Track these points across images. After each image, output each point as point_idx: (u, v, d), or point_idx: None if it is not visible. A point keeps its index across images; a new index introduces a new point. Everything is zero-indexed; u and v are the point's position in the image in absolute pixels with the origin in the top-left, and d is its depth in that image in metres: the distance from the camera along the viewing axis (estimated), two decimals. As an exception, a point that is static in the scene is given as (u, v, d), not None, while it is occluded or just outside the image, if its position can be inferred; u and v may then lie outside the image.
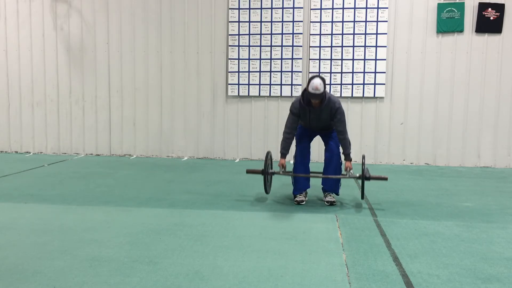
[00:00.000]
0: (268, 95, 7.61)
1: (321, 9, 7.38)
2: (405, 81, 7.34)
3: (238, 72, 7.62)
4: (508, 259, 3.23)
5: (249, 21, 7.53)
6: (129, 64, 7.96)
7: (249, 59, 7.58)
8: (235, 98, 7.75)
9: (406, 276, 2.92)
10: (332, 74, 7.41)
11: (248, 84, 7.62)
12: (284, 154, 4.71)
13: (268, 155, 4.84)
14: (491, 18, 7.05)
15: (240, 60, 7.61)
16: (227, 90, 7.71)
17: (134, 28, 7.89)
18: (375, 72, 7.33)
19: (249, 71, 7.59)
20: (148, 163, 7.34)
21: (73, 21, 8.04)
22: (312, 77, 4.44)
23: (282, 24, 7.47)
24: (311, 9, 7.41)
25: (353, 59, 7.35)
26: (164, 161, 7.56)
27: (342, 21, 7.34)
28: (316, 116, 4.62)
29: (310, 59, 7.44)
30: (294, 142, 4.89)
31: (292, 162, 5.03)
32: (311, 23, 7.42)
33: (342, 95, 7.41)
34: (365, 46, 7.32)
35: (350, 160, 4.68)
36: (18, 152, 8.39)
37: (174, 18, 7.77)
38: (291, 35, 7.46)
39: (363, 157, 4.80)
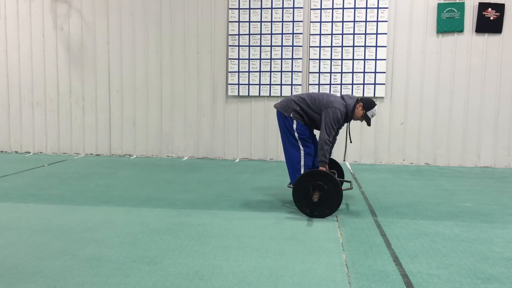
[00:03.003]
0: (268, 95, 7.61)
1: (321, 9, 7.38)
2: (405, 81, 7.34)
3: (238, 72, 7.62)
4: (508, 259, 3.23)
5: (249, 21, 7.53)
6: (129, 64, 7.96)
7: (249, 59, 7.58)
8: (235, 98, 7.75)
9: (406, 276, 2.92)
10: (332, 74, 7.41)
11: (248, 84, 7.62)
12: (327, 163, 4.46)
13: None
14: (491, 18, 7.05)
15: (240, 60, 7.61)
16: (227, 90, 7.71)
17: (134, 28, 7.89)
18: (375, 72, 7.33)
19: (249, 71, 7.59)
20: (148, 163, 7.34)
21: (73, 21, 8.05)
22: (371, 101, 4.50)
23: (282, 24, 7.48)
24: (311, 9, 7.42)
25: (353, 59, 7.35)
26: (164, 161, 7.56)
27: (342, 21, 7.34)
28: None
29: (310, 59, 7.44)
30: (295, 144, 4.69)
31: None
32: (311, 23, 7.42)
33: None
34: (365, 46, 7.32)
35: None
36: (18, 152, 8.39)
37: (174, 18, 7.78)
38: (291, 35, 7.46)
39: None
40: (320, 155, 4.39)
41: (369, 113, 4.47)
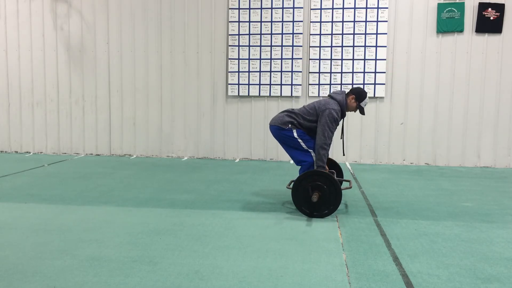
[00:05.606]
0: (268, 95, 7.61)
1: (321, 9, 7.38)
2: (405, 81, 7.34)
3: (238, 72, 7.62)
4: (508, 259, 3.23)
5: (249, 21, 7.53)
6: (129, 64, 7.96)
7: (249, 59, 7.58)
8: (235, 98, 7.75)
9: (406, 276, 2.92)
10: (332, 74, 7.41)
11: (248, 84, 7.62)
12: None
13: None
14: (491, 18, 7.05)
15: (240, 60, 7.61)
16: (227, 90, 7.71)
17: (134, 28, 7.89)
18: (375, 72, 7.33)
19: (249, 71, 7.59)
20: (148, 163, 7.34)
21: (73, 21, 8.05)
22: (362, 91, 4.52)
23: (282, 24, 7.47)
24: (311, 9, 7.41)
25: (353, 59, 7.35)
26: (164, 161, 7.56)
27: (342, 21, 7.34)
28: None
29: (310, 59, 7.44)
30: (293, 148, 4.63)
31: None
32: (311, 23, 7.42)
33: (342, 95, 7.42)
34: (365, 46, 7.32)
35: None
36: (18, 152, 8.39)
37: (174, 18, 7.77)
38: (291, 35, 7.46)
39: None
40: (317, 160, 4.36)
41: (362, 104, 4.54)
